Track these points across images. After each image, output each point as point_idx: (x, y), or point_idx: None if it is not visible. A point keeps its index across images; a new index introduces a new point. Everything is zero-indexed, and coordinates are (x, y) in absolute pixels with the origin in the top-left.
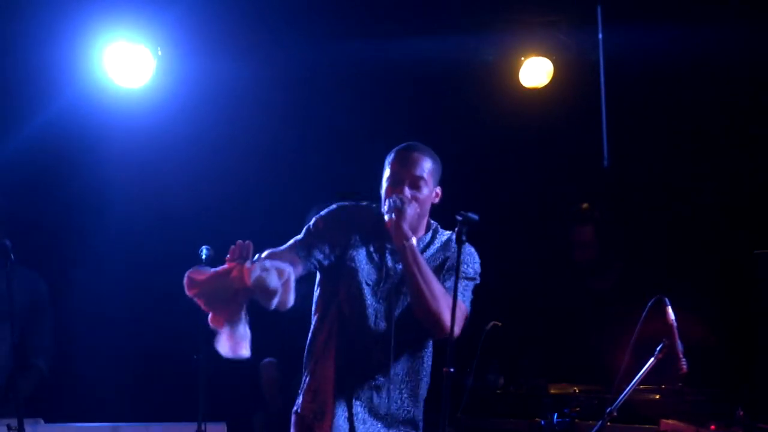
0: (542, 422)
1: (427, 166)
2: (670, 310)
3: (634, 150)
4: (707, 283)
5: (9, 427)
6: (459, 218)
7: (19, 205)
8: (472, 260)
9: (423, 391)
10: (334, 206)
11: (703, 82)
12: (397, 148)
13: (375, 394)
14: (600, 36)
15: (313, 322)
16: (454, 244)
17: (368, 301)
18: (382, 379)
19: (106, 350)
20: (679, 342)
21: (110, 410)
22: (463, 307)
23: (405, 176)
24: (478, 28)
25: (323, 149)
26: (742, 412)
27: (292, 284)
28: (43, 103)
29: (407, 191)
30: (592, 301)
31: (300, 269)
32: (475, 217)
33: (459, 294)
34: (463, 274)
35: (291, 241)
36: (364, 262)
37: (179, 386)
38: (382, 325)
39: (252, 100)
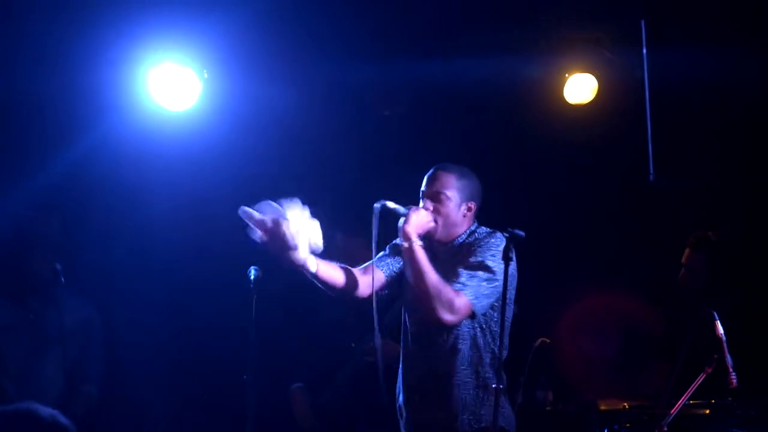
0: None
1: (449, 182)
2: (719, 324)
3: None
4: None
5: None
6: (505, 235)
7: (65, 230)
8: (482, 252)
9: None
10: None
11: (750, 98)
12: None
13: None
14: (644, 51)
15: None
16: (480, 234)
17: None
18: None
19: (154, 373)
20: (728, 356)
21: None
22: (463, 297)
23: (427, 193)
24: (523, 45)
25: (370, 172)
26: None
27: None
28: (88, 126)
29: (428, 204)
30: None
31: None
32: (521, 233)
33: (459, 284)
34: (469, 264)
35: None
36: None
37: (227, 407)
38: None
39: (298, 123)
